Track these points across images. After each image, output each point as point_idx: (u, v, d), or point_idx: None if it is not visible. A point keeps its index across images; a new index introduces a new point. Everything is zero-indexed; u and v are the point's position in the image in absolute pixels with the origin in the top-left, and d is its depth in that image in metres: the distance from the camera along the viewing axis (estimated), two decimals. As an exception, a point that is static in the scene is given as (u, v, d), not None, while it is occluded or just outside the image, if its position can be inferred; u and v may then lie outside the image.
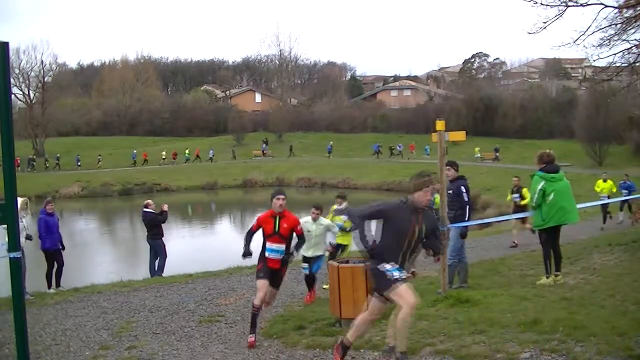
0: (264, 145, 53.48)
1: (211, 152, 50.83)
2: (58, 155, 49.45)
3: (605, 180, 16.70)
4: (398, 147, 47.99)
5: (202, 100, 69.19)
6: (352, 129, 57.71)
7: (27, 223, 9.03)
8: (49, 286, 9.85)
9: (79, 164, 48.67)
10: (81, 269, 15.42)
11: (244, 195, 42.03)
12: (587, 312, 5.42)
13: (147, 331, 6.63)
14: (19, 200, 8.93)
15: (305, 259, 7.94)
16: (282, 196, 6.21)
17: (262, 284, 6.04)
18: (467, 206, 7.55)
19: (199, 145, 54.33)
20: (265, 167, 46.49)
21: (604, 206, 15.90)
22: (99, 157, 49.54)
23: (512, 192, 13.76)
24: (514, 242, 12.94)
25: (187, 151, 50.99)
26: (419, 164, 38.85)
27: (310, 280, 8.04)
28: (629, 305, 5.69)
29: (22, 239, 8.93)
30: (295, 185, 42.74)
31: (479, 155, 44.36)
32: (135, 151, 50.74)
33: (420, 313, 6.07)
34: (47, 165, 48.65)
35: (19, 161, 47.82)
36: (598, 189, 16.67)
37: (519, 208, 13.13)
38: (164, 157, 50.07)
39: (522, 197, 13.29)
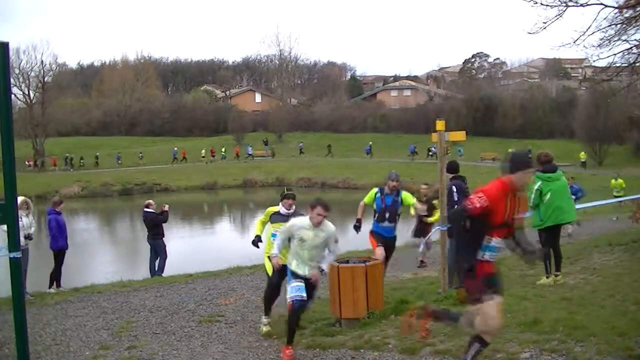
0: (301, 147, 53.48)
1: (249, 148, 51.77)
2: (97, 154, 50.06)
3: None
4: (433, 149, 47.33)
5: (202, 100, 69.25)
6: (352, 129, 57.75)
7: (25, 222, 8.98)
8: (50, 285, 9.78)
9: (119, 161, 49.28)
10: (81, 269, 15.41)
11: (244, 195, 42.04)
12: (587, 312, 5.42)
13: (147, 331, 6.62)
14: (19, 198, 8.94)
15: (297, 278, 5.39)
16: (531, 170, 3.99)
17: (498, 304, 3.85)
18: (456, 206, 7.59)
19: (200, 145, 54.33)
20: (265, 167, 46.50)
21: None
22: (140, 155, 50.30)
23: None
24: (422, 261, 10.64)
25: (223, 149, 51.91)
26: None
27: (296, 323, 5.35)
28: (629, 305, 5.69)
29: (22, 239, 8.93)
30: (295, 185, 42.73)
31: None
32: (175, 148, 51.53)
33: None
34: (82, 163, 48.67)
35: (56, 161, 48.02)
36: None
37: (424, 224, 10.48)
38: (203, 155, 50.96)
39: (431, 211, 10.07)
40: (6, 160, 3.13)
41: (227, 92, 76.50)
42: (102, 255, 20.37)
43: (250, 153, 51.42)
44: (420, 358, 4.80)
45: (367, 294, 6.08)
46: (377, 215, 7.24)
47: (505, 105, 51.34)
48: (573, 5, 10.98)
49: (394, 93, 71.78)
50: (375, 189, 7.32)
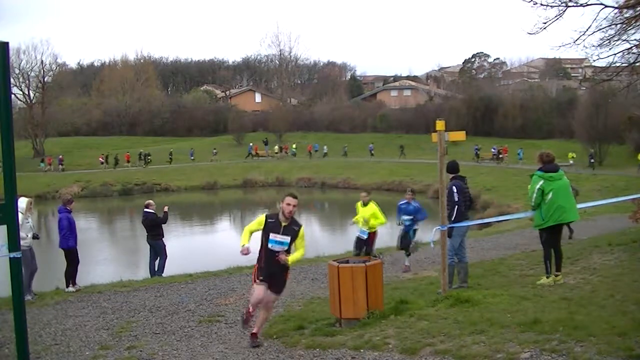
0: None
1: (325, 148, 50.81)
2: (171, 150, 50.53)
3: (366, 204, 10.03)
4: (493, 150, 43.34)
5: (202, 100, 69.19)
6: (352, 129, 57.72)
7: (32, 222, 9.04)
8: (68, 285, 9.54)
9: (192, 157, 49.93)
10: (81, 269, 15.37)
11: (244, 195, 42.01)
12: (587, 312, 5.41)
13: (147, 331, 6.62)
14: (25, 200, 8.99)
15: None
16: None
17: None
18: (456, 206, 7.60)
19: (200, 145, 54.25)
20: (265, 167, 46.49)
21: (359, 244, 10.09)
22: (214, 151, 50.60)
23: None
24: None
25: (294, 146, 51.78)
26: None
27: None
28: (629, 305, 5.69)
29: (30, 238, 8.92)
30: (295, 185, 42.74)
31: (572, 162, 36.93)
32: (251, 144, 51.84)
33: (421, 313, 6.08)
34: (150, 159, 48.47)
35: (129, 157, 48.46)
36: (359, 218, 10.17)
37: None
38: (276, 151, 51.19)
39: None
40: (6, 160, 3.13)
41: (227, 92, 76.46)
42: (102, 255, 20.35)
43: (325, 152, 50.40)
44: (420, 358, 4.80)
45: (367, 294, 6.08)
46: None
47: (505, 105, 51.30)
48: (573, 5, 11.01)
49: (394, 93, 71.72)
50: None
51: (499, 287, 7.46)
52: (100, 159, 48.40)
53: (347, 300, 6.07)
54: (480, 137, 46.35)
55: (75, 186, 40.83)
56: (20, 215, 9.00)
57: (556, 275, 7.36)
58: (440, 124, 6.84)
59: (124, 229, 29.17)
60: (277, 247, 5.63)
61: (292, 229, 5.66)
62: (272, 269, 5.64)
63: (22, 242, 8.76)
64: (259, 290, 5.62)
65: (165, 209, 12.30)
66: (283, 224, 5.67)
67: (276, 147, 51.71)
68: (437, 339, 5.12)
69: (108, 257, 20.46)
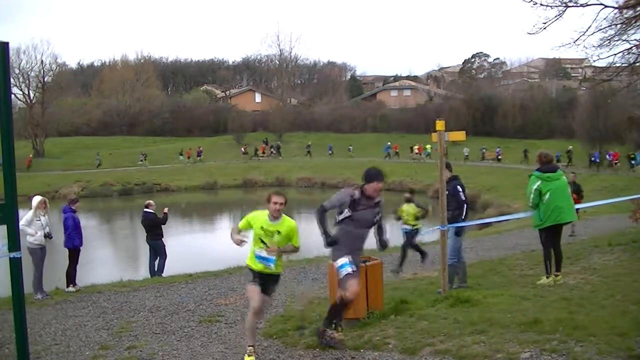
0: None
1: (465, 150, 43.94)
2: (309, 143, 51.77)
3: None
4: (608, 157, 37.15)
5: (202, 100, 69.15)
6: (352, 129, 57.72)
7: (44, 221, 9.04)
8: (68, 285, 9.52)
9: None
10: (81, 269, 15.36)
11: (244, 195, 41.99)
12: (587, 312, 5.42)
13: (147, 331, 6.62)
14: (38, 198, 9.03)
15: None
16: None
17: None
18: (465, 205, 7.57)
19: (200, 145, 54.25)
20: (265, 167, 46.48)
21: None
22: (350, 147, 50.73)
23: None
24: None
25: (428, 147, 46.53)
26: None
27: None
28: (629, 305, 5.69)
29: (40, 237, 8.92)
30: (295, 185, 42.75)
31: None
32: (389, 143, 49.61)
33: (421, 313, 6.08)
34: (278, 152, 50.76)
35: (264, 148, 51.63)
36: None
37: None
38: (416, 152, 47.28)
39: None
40: (6, 160, 3.13)
41: (227, 92, 76.44)
42: (102, 255, 20.34)
43: (466, 155, 44.31)
44: (420, 358, 4.80)
45: (367, 294, 6.08)
46: None
47: (505, 105, 51.32)
48: (573, 6, 11.02)
49: (394, 93, 71.70)
50: None
51: (499, 287, 7.46)
52: (243, 149, 50.97)
53: (347, 300, 6.06)
54: (480, 137, 46.34)
55: (76, 186, 40.75)
56: (30, 213, 9.04)
57: (556, 275, 7.36)
58: (440, 124, 6.84)
59: (124, 229, 29.16)
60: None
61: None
62: None
63: (31, 239, 8.90)
64: None
65: (165, 210, 12.31)
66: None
67: (415, 147, 47.64)
68: (437, 339, 5.11)
69: (108, 257, 20.46)
